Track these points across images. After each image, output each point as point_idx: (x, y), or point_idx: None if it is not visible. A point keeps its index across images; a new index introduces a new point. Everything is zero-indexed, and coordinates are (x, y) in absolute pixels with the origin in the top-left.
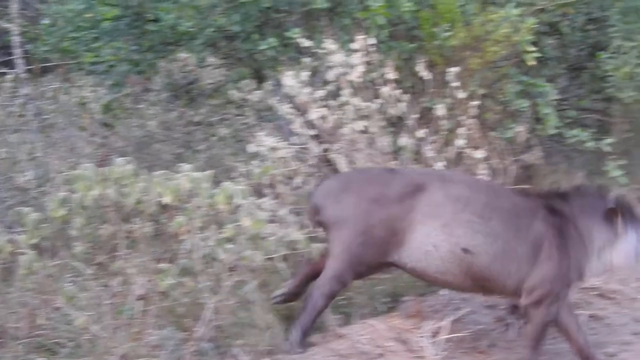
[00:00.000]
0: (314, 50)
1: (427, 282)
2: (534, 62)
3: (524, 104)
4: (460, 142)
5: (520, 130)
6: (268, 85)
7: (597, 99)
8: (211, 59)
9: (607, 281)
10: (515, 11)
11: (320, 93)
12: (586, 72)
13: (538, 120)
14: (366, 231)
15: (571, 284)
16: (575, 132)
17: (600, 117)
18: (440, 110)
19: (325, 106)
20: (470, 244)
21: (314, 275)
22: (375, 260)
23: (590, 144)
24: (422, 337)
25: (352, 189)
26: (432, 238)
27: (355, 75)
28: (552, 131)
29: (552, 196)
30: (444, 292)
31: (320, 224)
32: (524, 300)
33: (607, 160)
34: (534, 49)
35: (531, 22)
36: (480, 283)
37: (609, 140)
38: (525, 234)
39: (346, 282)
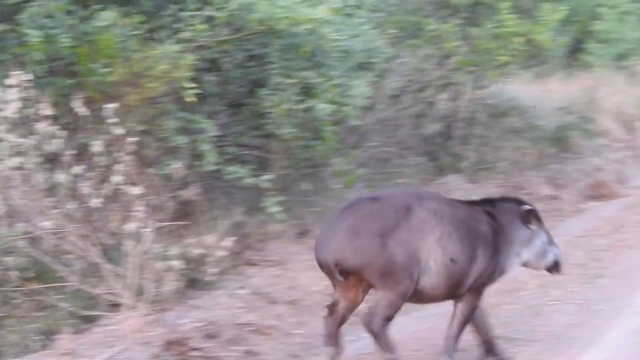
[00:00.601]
0: None
1: (417, 303)
2: (193, 99)
3: (183, 140)
4: (117, 178)
5: (178, 166)
6: None
7: (257, 136)
8: None
9: (263, 317)
10: (175, 47)
11: None
12: (246, 109)
13: (197, 156)
14: (390, 263)
15: (496, 279)
16: (234, 168)
17: (260, 154)
18: (97, 146)
19: None
20: (454, 253)
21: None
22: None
23: (249, 180)
24: None
25: (360, 232)
26: (432, 254)
27: (11, 111)
28: (211, 167)
29: (486, 203)
30: (99, 329)
31: (343, 273)
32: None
33: (265, 196)
34: (193, 85)
35: (190, 58)
36: (452, 291)
37: (268, 176)
38: (480, 237)
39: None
